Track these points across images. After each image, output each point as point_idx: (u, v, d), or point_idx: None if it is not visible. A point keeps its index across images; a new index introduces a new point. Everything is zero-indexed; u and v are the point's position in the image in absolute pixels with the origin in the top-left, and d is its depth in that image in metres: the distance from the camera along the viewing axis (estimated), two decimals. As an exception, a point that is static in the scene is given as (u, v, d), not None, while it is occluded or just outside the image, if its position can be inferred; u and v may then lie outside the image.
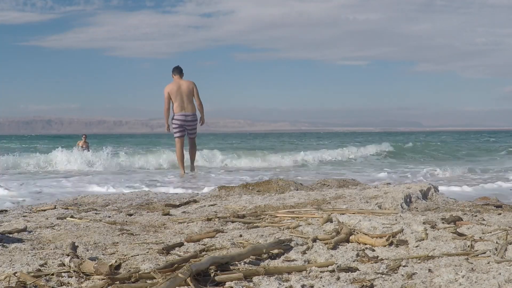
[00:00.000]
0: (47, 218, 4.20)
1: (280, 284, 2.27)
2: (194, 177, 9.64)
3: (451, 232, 3.21)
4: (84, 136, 21.47)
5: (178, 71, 9.83)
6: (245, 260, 2.65)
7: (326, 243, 3.04)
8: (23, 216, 4.34)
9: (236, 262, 2.59)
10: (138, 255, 2.87)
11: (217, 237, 3.33)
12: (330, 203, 4.87)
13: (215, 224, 3.87)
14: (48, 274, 2.44)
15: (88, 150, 19.99)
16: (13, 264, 2.63)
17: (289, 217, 4.01)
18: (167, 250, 2.95)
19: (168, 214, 4.51)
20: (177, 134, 9.84)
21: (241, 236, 3.36)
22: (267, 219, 4.01)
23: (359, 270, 2.49)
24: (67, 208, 4.85)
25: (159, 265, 2.57)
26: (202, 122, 9.94)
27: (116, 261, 2.51)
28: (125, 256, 2.86)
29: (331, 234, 3.30)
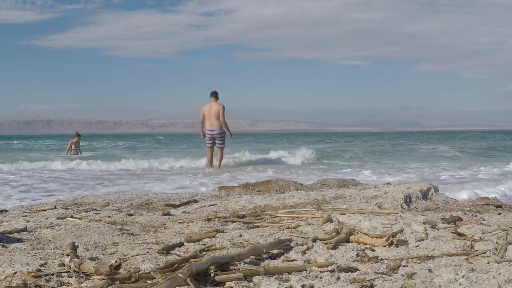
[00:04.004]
0: (47, 218, 4.20)
1: (280, 284, 2.27)
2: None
3: (451, 232, 3.21)
4: (77, 135, 18.82)
5: (214, 95, 12.73)
6: (245, 260, 2.65)
7: (326, 243, 3.04)
8: (23, 216, 4.34)
9: (236, 262, 2.59)
10: (138, 255, 2.87)
11: (217, 237, 3.33)
12: (330, 203, 4.87)
13: (215, 224, 3.87)
14: (48, 274, 2.45)
15: (80, 153, 18.59)
16: (13, 264, 2.64)
17: (289, 217, 4.01)
18: (167, 250, 2.95)
19: (168, 214, 4.51)
20: (208, 145, 12.80)
21: (241, 236, 3.36)
22: (267, 219, 4.01)
23: (359, 270, 2.49)
24: (67, 208, 4.85)
25: (159, 265, 2.57)
26: (230, 135, 12.94)
27: (116, 261, 2.51)
28: (125, 256, 2.86)
29: (331, 234, 3.30)
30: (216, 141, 12.67)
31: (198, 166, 13.64)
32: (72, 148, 18.69)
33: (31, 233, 3.60)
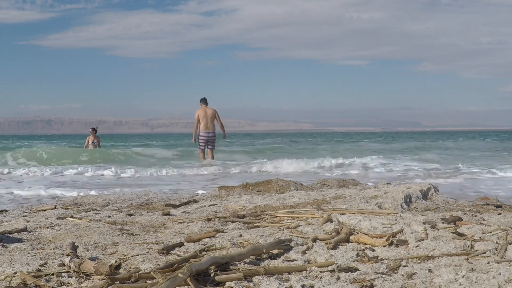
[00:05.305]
0: (47, 218, 4.20)
1: (280, 284, 2.27)
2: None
3: (451, 232, 3.21)
4: (92, 129, 16.68)
5: (204, 101, 13.28)
6: (245, 260, 2.65)
7: (326, 243, 3.04)
8: (23, 216, 4.34)
9: (236, 262, 2.59)
10: (138, 255, 2.87)
11: (217, 237, 3.33)
12: (330, 203, 4.87)
13: (215, 224, 3.87)
14: (48, 274, 2.45)
15: (99, 146, 16.73)
16: (13, 264, 2.64)
17: (289, 217, 4.01)
18: (167, 250, 2.95)
19: (168, 214, 4.51)
20: (201, 147, 13.39)
21: (241, 236, 3.36)
22: (267, 219, 4.01)
23: (359, 270, 2.49)
24: (67, 208, 4.86)
25: (159, 265, 2.57)
26: (224, 136, 13.81)
27: (116, 261, 2.51)
28: (125, 256, 2.86)
29: (331, 234, 3.30)
30: (210, 143, 13.33)
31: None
32: (90, 143, 16.60)
33: (31, 233, 3.60)
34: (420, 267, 2.51)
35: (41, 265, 2.63)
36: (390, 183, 6.72)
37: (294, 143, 38.04)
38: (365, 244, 3.07)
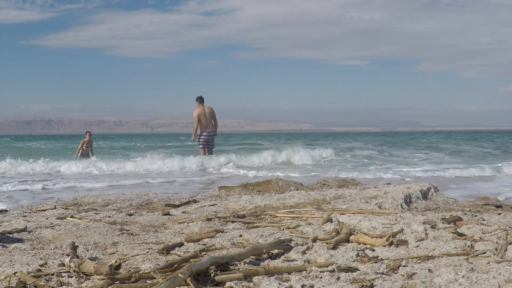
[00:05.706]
0: (47, 218, 4.21)
1: (280, 284, 2.27)
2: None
3: (451, 232, 3.21)
4: (88, 133, 16.53)
5: (201, 100, 13.22)
6: (245, 260, 2.65)
7: (326, 243, 3.04)
8: (23, 216, 4.34)
9: (236, 262, 2.59)
10: (138, 255, 2.87)
11: (217, 237, 3.33)
12: (330, 203, 4.87)
13: (215, 224, 3.87)
14: (48, 274, 2.45)
15: (92, 154, 16.12)
16: (13, 264, 2.64)
17: (289, 217, 4.01)
18: (167, 250, 2.95)
19: (168, 214, 4.51)
20: (201, 146, 13.38)
21: (241, 236, 3.36)
22: (267, 219, 4.01)
23: (359, 270, 2.49)
24: (67, 208, 4.86)
25: (159, 265, 2.57)
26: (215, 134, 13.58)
27: (116, 261, 2.51)
28: (125, 256, 2.86)
29: (331, 234, 3.30)
30: (210, 143, 13.29)
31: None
32: (84, 147, 16.28)
33: (31, 233, 3.60)
34: (420, 267, 2.51)
35: (41, 265, 2.63)
36: (390, 183, 6.72)
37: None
38: (365, 244, 3.07)
